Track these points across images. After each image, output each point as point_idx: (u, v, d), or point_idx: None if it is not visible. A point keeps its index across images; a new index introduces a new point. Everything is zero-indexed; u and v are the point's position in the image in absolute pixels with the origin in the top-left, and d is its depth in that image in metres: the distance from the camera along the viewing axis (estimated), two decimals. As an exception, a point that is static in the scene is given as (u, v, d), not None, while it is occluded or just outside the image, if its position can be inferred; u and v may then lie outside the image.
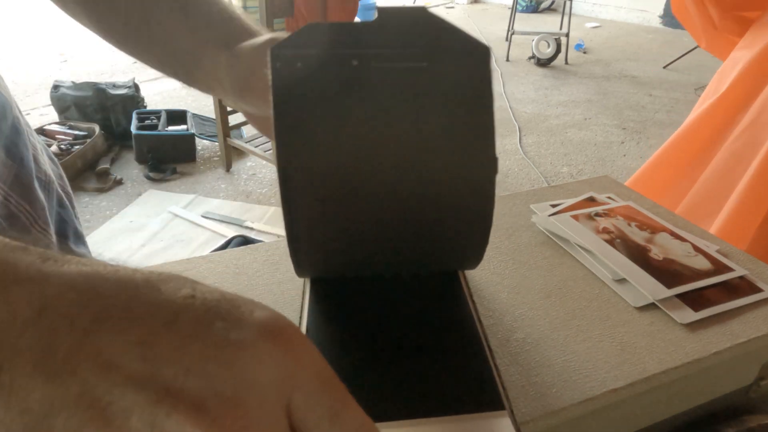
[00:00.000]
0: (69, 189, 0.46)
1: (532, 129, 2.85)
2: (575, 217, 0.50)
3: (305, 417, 0.17)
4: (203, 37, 0.36)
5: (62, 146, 2.30)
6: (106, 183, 2.23)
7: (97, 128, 2.44)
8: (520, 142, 2.68)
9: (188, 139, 2.44)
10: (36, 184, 0.41)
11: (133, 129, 2.38)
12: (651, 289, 0.41)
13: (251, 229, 1.94)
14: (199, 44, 0.36)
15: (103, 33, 0.41)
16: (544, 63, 3.87)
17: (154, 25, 0.37)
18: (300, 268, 0.33)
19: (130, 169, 2.38)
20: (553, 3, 5.85)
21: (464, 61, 0.27)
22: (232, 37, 0.36)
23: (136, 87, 2.68)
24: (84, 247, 0.46)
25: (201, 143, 2.58)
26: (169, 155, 2.39)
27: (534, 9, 5.79)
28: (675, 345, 0.36)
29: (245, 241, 1.69)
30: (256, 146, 2.24)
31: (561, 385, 0.32)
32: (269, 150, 2.15)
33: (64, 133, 2.42)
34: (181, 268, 0.43)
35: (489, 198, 0.29)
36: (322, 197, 0.28)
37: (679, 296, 0.40)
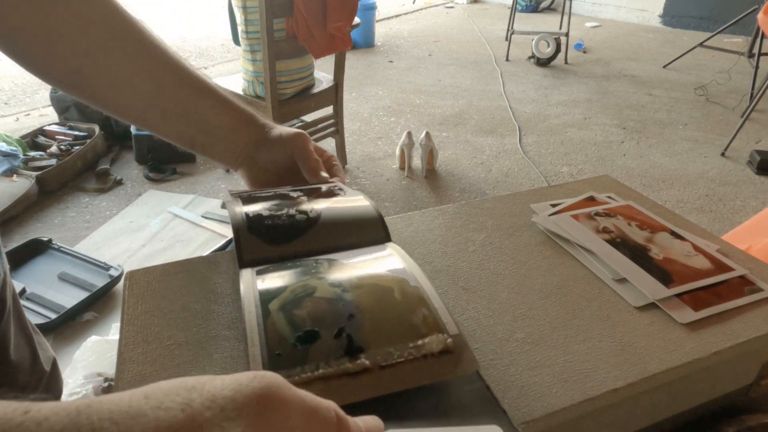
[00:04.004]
0: None
1: (532, 128, 2.85)
2: (575, 217, 0.50)
3: None
4: (250, 122, 0.51)
5: (62, 147, 2.30)
6: (106, 183, 2.23)
7: (97, 128, 2.44)
8: (520, 142, 2.67)
9: (188, 140, 2.44)
10: None
11: (132, 129, 2.38)
12: (651, 288, 0.40)
13: (251, 229, 1.94)
14: (247, 126, 0.51)
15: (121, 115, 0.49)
16: (543, 62, 3.87)
17: (191, 109, 0.48)
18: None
19: (130, 169, 2.38)
20: (552, 2, 5.85)
21: None
22: (265, 122, 0.52)
23: (136, 87, 2.67)
24: (0, 258, 0.48)
25: (201, 143, 2.58)
26: (169, 155, 2.39)
27: (533, 8, 5.79)
28: (675, 345, 0.36)
29: (245, 241, 1.69)
30: (256, 146, 2.24)
31: (561, 384, 0.32)
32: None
33: (64, 134, 2.41)
34: (181, 268, 0.43)
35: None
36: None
37: (679, 296, 0.40)
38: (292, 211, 0.42)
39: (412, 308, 0.32)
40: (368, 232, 0.41)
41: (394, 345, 0.29)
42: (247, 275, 0.36)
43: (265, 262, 0.39)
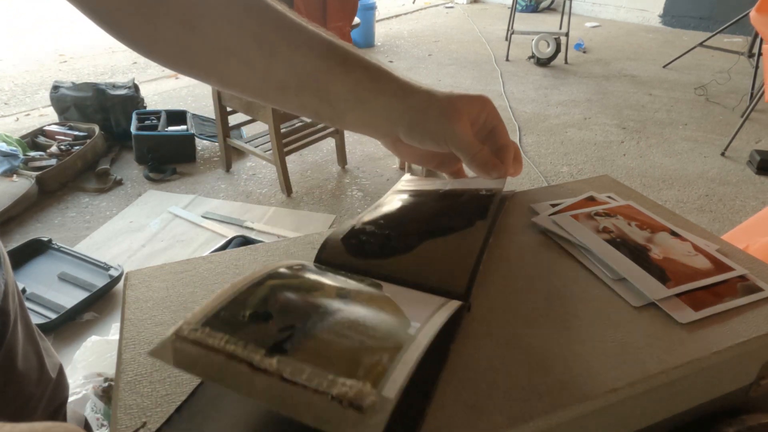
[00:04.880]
0: None
1: (532, 128, 2.85)
2: (575, 217, 0.50)
3: None
4: (380, 89, 0.42)
5: (62, 147, 2.30)
6: (106, 183, 2.23)
7: (97, 129, 2.44)
8: (519, 142, 2.68)
9: (188, 140, 2.44)
10: None
11: (132, 129, 2.38)
12: (651, 288, 0.40)
13: (251, 229, 1.94)
14: (376, 95, 0.42)
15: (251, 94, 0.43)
16: (543, 62, 3.87)
17: (308, 77, 0.41)
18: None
19: (130, 169, 2.38)
20: (552, 2, 5.85)
21: None
22: (403, 88, 0.42)
23: (136, 87, 2.68)
24: (1, 269, 0.45)
25: (201, 143, 2.58)
26: (169, 155, 2.39)
27: (533, 8, 5.79)
28: (675, 345, 0.36)
29: (245, 241, 1.70)
30: (256, 146, 2.24)
31: (561, 385, 0.32)
32: (269, 150, 2.15)
33: (64, 134, 2.42)
34: (181, 269, 0.43)
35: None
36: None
37: (679, 296, 0.40)
38: (392, 232, 0.40)
39: (376, 348, 0.27)
40: (448, 288, 0.37)
41: (315, 367, 0.25)
42: (302, 262, 0.37)
43: (340, 267, 0.39)
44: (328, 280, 0.34)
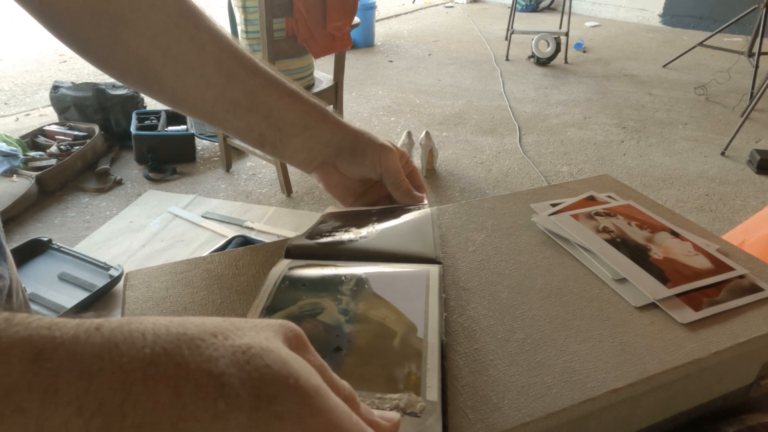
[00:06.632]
0: None
1: (532, 128, 2.85)
2: (575, 217, 0.50)
3: None
4: (325, 118, 0.47)
5: (62, 147, 2.30)
6: (106, 183, 2.23)
7: (96, 129, 2.44)
8: (519, 142, 2.67)
9: (188, 139, 2.44)
10: None
11: (132, 129, 2.38)
12: (651, 288, 0.40)
13: (251, 229, 1.94)
14: (321, 122, 0.47)
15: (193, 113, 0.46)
16: (543, 62, 3.87)
17: (261, 101, 0.45)
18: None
19: (129, 169, 2.38)
20: (552, 2, 5.85)
21: None
22: (343, 123, 0.48)
23: (136, 87, 2.67)
24: (5, 263, 0.45)
25: (201, 143, 2.58)
26: (168, 155, 2.39)
27: (533, 8, 5.79)
28: (675, 345, 0.36)
29: (245, 241, 1.70)
30: (256, 146, 2.24)
31: (561, 385, 0.32)
32: (269, 150, 2.15)
33: (64, 134, 2.41)
34: (181, 269, 0.43)
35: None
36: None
37: (679, 296, 0.40)
38: (346, 236, 0.43)
39: (402, 360, 0.31)
40: (420, 256, 0.41)
41: (361, 391, 0.28)
42: (275, 272, 0.37)
43: (310, 256, 0.40)
44: (323, 294, 0.36)
